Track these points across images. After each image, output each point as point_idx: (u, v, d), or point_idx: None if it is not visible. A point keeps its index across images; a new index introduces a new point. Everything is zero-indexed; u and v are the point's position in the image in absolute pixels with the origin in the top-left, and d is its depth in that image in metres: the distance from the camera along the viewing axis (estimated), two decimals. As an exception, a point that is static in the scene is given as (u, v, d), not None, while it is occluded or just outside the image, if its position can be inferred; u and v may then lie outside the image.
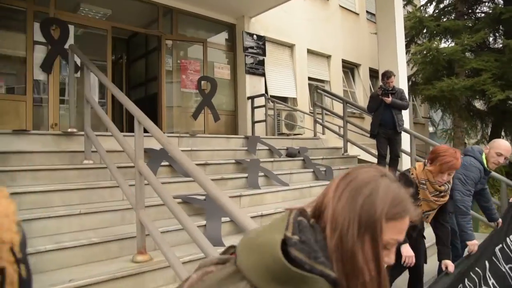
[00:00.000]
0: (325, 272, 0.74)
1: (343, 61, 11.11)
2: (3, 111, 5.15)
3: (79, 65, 5.32)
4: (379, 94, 5.56)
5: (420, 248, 2.92)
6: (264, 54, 8.67)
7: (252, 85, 8.43)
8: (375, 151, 6.63)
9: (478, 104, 12.96)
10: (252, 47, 8.43)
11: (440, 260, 2.82)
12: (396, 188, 0.83)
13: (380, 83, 5.82)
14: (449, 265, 2.71)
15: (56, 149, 3.96)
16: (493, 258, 3.32)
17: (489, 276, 3.23)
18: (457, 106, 9.79)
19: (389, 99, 5.47)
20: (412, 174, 2.81)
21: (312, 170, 5.38)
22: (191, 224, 2.41)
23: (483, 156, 3.35)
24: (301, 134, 8.52)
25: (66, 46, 5.30)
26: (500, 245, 3.50)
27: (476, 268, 3.12)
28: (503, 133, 12.05)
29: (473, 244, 3.03)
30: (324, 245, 0.77)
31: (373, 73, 11.52)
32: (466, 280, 3.00)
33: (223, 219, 3.45)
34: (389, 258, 0.83)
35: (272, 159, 5.34)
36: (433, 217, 2.85)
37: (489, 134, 12.28)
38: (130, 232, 2.87)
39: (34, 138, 4.05)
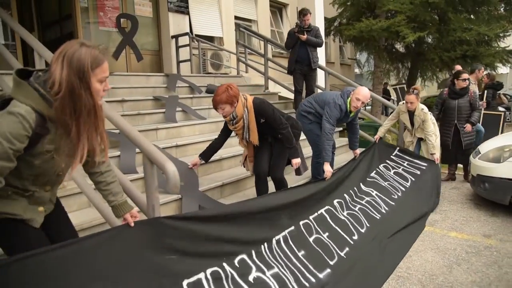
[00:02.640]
0: (36, 86, 1.42)
1: (271, 0, 11.11)
2: None
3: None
4: (295, 32, 5.82)
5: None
6: (186, -10, 8.44)
7: (176, 23, 8.26)
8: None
9: (399, 47, 13.76)
10: (174, -16, 8.17)
11: (289, 159, 3.39)
12: (91, 49, 1.46)
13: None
14: (294, 163, 3.31)
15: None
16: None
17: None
18: (375, 47, 10.38)
19: (304, 37, 5.76)
20: None
21: (231, 105, 5.63)
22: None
23: (349, 100, 3.88)
24: (228, 74, 8.67)
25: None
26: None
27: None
28: (418, 75, 13.02)
29: (328, 171, 3.62)
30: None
31: (275, 5, 11.67)
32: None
33: (138, 150, 3.65)
34: (106, 87, 1.57)
35: (191, 96, 5.51)
36: (264, 135, 3.40)
37: (407, 75, 13.22)
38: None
39: None
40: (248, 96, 3.29)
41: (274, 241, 2.67)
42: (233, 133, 3.53)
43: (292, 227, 2.95)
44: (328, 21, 11.57)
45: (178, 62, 8.03)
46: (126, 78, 5.49)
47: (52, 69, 1.41)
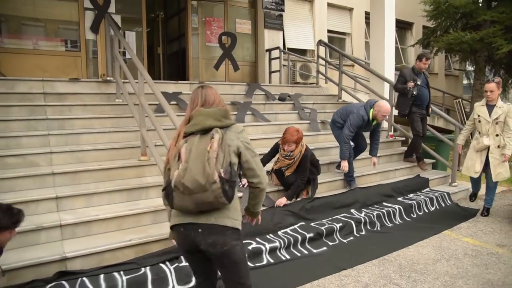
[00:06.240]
0: None
1: (366, 13, 11.55)
2: (65, 64, 6.88)
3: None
4: (410, 88, 5.66)
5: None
6: (282, 9, 9.61)
7: (270, 38, 9.49)
8: (364, 98, 7.60)
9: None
10: (271, 3, 9.40)
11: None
12: (210, 90, 2.08)
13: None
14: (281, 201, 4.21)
15: (98, 91, 5.61)
16: None
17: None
18: (471, 59, 10.07)
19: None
20: (279, 142, 4.26)
21: (297, 111, 6.61)
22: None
23: (371, 111, 4.48)
24: (315, 84, 9.51)
25: (110, 10, 6.83)
26: None
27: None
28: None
29: (344, 165, 4.52)
30: None
31: (400, 24, 11.84)
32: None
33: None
34: None
35: (264, 102, 6.63)
36: (295, 173, 4.25)
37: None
38: (138, 143, 4.40)
39: (84, 84, 5.72)
40: (304, 144, 4.23)
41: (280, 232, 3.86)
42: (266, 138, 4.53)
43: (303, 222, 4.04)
44: (428, 31, 11.51)
45: (270, 73, 9.25)
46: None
47: None
